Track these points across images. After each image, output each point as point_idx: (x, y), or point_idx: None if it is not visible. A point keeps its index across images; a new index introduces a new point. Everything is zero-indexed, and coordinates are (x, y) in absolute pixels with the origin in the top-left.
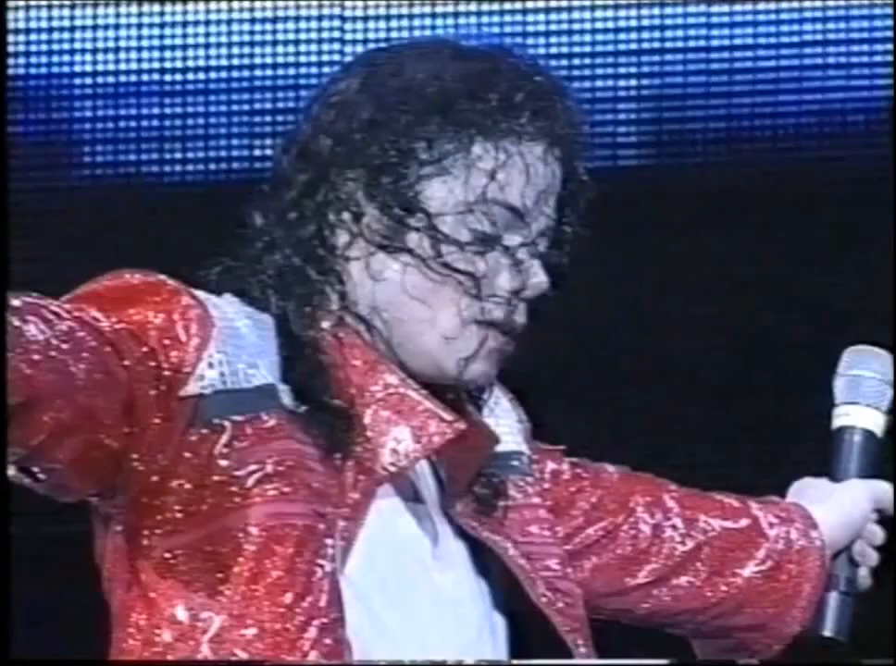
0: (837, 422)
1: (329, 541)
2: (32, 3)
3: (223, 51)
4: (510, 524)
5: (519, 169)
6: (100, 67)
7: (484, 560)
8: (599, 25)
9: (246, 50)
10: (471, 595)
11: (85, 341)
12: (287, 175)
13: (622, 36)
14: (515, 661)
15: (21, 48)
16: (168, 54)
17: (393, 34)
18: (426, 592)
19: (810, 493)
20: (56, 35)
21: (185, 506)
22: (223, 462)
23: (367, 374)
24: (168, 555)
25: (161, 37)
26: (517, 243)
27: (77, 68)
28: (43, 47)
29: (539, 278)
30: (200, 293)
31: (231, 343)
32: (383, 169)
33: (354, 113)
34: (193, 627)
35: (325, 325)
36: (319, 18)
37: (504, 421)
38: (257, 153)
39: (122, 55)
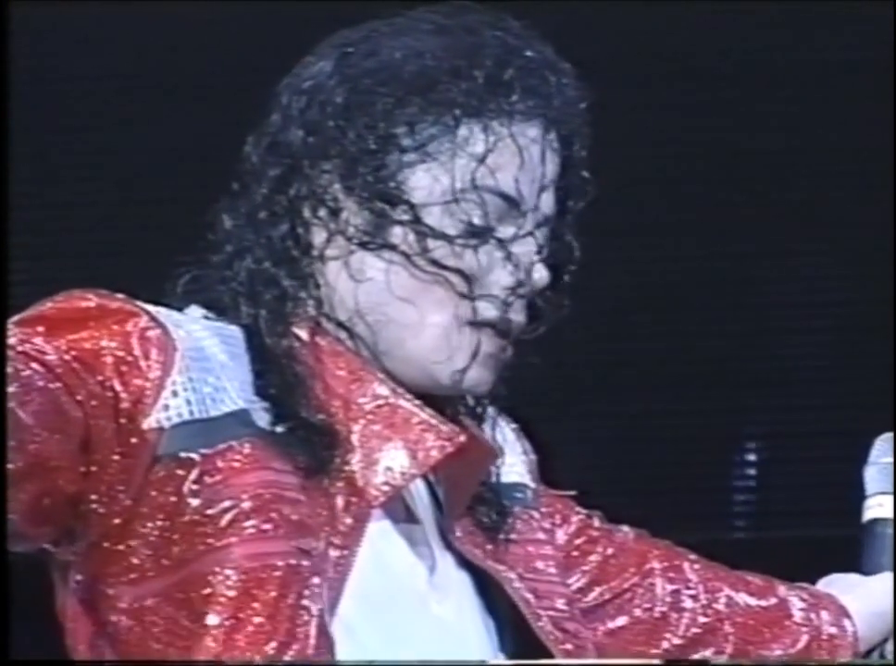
0: (869, 513)
1: (315, 580)
2: None
3: None
4: (514, 557)
5: (512, 152)
6: None
7: (488, 590)
8: None
9: None
10: (475, 627)
11: (32, 381)
12: (257, 171)
13: None
14: (514, 662)
15: None
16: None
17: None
18: (424, 624)
19: (839, 585)
20: None
21: (153, 550)
22: (193, 501)
23: (352, 384)
24: (136, 605)
25: None
26: (512, 235)
27: None
28: None
29: (538, 274)
30: (161, 312)
31: (197, 367)
32: (361, 158)
33: (328, 98)
34: None
35: (301, 333)
36: None
37: (509, 451)
38: None
39: None
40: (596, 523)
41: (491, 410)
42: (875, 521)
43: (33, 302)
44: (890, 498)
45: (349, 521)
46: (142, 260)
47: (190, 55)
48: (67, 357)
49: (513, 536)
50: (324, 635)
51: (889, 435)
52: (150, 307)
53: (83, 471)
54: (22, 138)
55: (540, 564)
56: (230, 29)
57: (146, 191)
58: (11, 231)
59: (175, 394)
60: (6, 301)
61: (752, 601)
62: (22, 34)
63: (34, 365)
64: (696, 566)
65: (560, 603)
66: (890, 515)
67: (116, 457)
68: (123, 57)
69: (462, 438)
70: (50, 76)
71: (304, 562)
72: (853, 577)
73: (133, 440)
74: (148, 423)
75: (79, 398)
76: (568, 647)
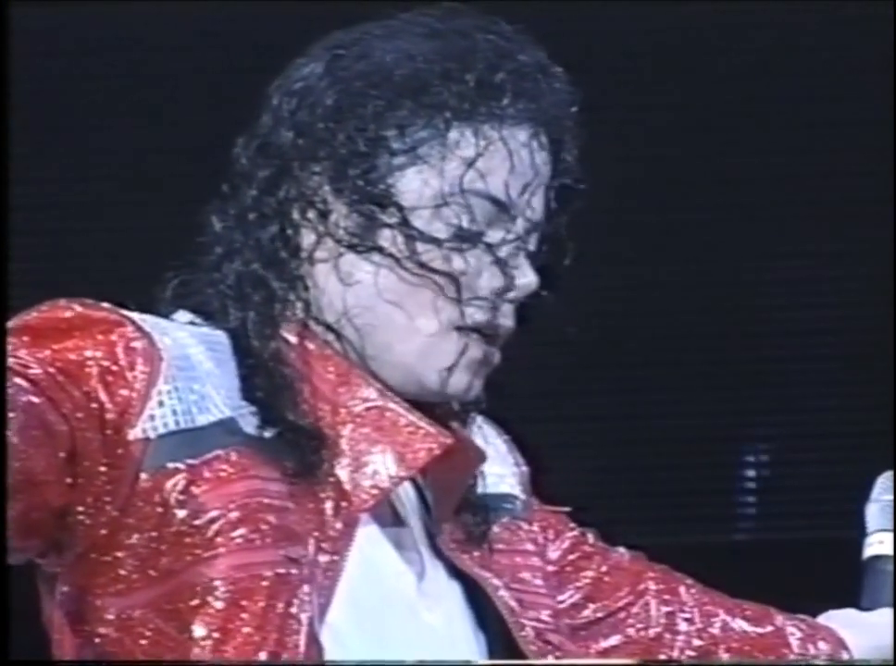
0: (869, 550)
1: (304, 588)
2: None
3: None
4: (500, 566)
5: (502, 156)
6: None
7: (477, 598)
8: None
9: None
10: (465, 635)
11: (15, 398)
12: (246, 173)
13: None
14: (515, 661)
15: None
16: None
17: None
18: (414, 632)
19: (838, 620)
20: None
21: (140, 561)
22: (180, 511)
23: (340, 387)
24: (123, 616)
25: None
26: (501, 239)
27: None
28: None
29: (526, 278)
30: (147, 319)
31: (183, 376)
32: (351, 161)
33: (318, 100)
34: None
35: (289, 336)
36: None
37: (500, 463)
38: None
39: None
40: (591, 539)
41: (481, 420)
42: (875, 558)
43: (34, 302)
44: (891, 535)
45: (339, 526)
46: (142, 260)
47: (188, 56)
48: (51, 370)
49: (500, 546)
50: (314, 643)
51: (891, 473)
52: (135, 315)
53: (70, 483)
54: (22, 138)
55: (526, 575)
56: (227, 29)
57: (147, 192)
58: (11, 231)
59: (161, 404)
60: (7, 301)
61: (749, 627)
62: (22, 34)
63: (17, 380)
64: (692, 590)
65: (545, 614)
66: (891, 552)
67: (102, 468)
68: (123, 57)
69: (449, 440)
70: (50, 76)
71: (293, 571)
72: (852, 612)
73: (119, 451)
74: (134, 433)
75: (64, 411)
76: (549, 659)
